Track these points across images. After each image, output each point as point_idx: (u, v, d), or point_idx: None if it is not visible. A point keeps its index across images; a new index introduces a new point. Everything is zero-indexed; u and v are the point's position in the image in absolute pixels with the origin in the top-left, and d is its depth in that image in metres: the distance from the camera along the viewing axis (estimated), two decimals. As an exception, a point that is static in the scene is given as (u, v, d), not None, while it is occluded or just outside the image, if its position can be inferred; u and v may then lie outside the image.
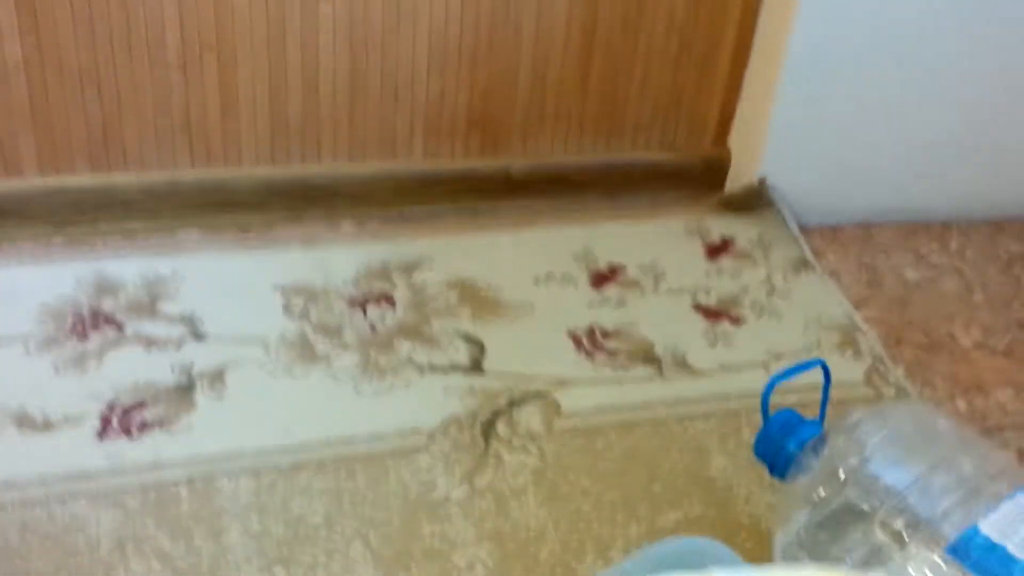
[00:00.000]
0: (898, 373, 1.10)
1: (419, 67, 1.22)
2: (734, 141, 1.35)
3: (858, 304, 1.21)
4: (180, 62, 1.14)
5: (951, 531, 0.77)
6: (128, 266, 1.14)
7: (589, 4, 1.22)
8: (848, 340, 1.14)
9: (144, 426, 0.95)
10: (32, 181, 1.17)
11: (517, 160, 1.30)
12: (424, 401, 1.01)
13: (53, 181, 1.18)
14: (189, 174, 1.21)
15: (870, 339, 1.15)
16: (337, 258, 1.18)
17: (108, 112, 1.16)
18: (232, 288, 1.13)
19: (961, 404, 1.09)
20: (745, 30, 1.29)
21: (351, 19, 1.17)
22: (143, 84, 1.15)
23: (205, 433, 0.96)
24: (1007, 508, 0.78)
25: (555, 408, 1.02)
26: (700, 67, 1.30)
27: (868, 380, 1.09)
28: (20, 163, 1.16)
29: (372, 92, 1.22)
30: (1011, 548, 0.75)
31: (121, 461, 0.92)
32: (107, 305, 1.08)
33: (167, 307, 1.09)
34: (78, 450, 0.92)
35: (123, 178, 1.20)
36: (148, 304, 1.09)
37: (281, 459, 0.93)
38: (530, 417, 1.01)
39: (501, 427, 0.99)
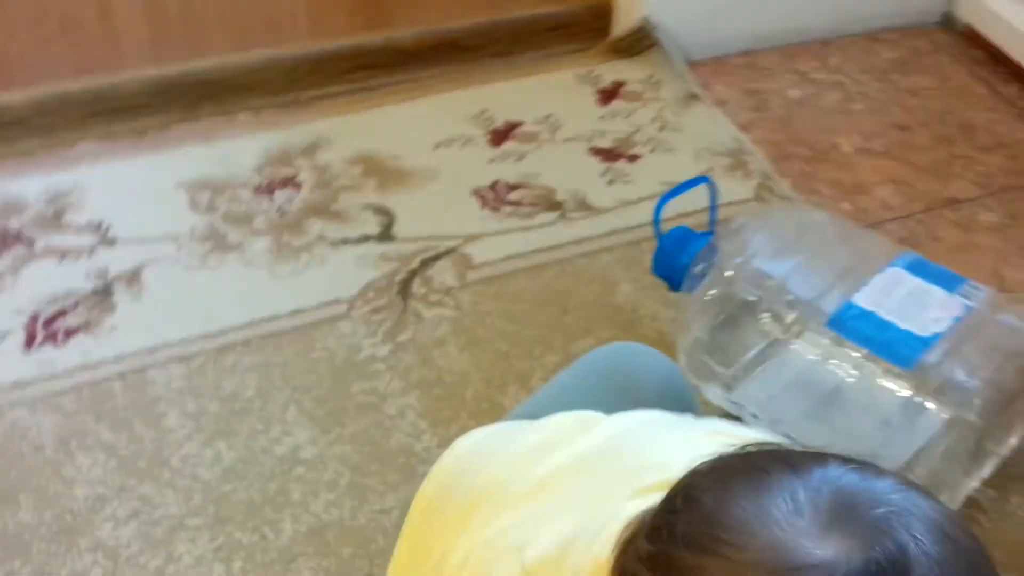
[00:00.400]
0: (785, 185, 1.16)
1: (290, -54, 1.21)
2: (615, -15, 1.37)
3: (745, 128, 1.26)
4: (43, -30, 1.12)
5: (830, 308, 0.84)
6: (29, 183, 1.14)
7: None
8: (738, 162, 1.20)
9: (69, 332, 0.98)
10: (-86, 112, 1.16)
11: (403, 29, 1.31)
12: (340, 273, 1.05)
13: (-64, 109, 1.17)
14: (75, 84, 1.20)
15: (758, 159, 1.20)
16: (237, 149, 1.19)
17: (-21, 31, 1.14)
18: (136, 192, 1.14)
19: (846, 205, 1.16)
20: None
21: (212, -95, 1.15)
22: (10, -3, 1.13)
23: (129, 331, 0.98)
24: (878, 281, 0.85)
25: (466, 262, 1.07)
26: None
27: (758, 196, 1.14)
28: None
29: (247, -22, 1.21)
30: (882, 313, 0.83)
31: (52, 368, 0.95)
32: (13, 224, 1.09)
33: (74, 218, 1.10)
34: (8, 363, 0.95)
35: (10, 97, 1.19)
36: (54, 217, 1.10)
37: (207, 344, 0.97)
38: (443, 273, 1.05)
39: (416, 286, 1.04)
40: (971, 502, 0.86)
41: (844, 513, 0.39)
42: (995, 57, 1.38)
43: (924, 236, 1.13)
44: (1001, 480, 0.88)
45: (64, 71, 1.20)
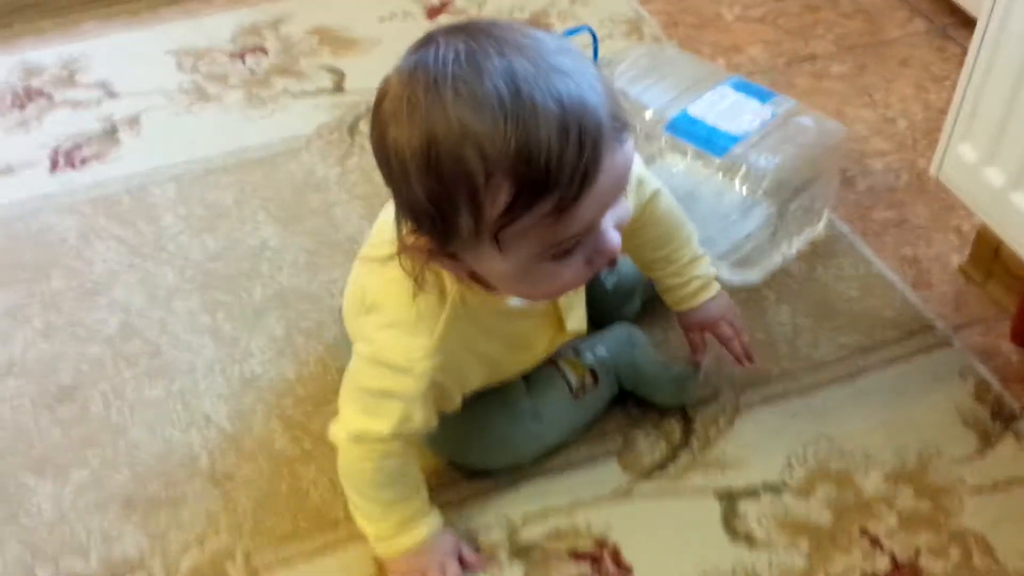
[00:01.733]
0: (671, 44, 1.40)
1: None
2: None
3: (644, 1, 1.49)
4: None
5: (671, 116, 1.08)
6: (46, 55, 1.38)
7: None
8: (634, 28, 1.43)
9: (84, 160, 1.23)
10: (-53, -4, 1.39)
11: (355, -75, 1.53)
12: (300, 117, 1.29)
13: (-35, -6, 1.40)
14: (79, -27, 1.44)
15: (652, 25, 1.44)
16: (215, 24, 1.43)
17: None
18: (133, 58, 1.38)
19: (722, 61, 1.39)
20: None
21: None
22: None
23: (132, 160, 1.23)
24: (709, 95, 1.10)
25: (403, 107, 1.30)
26: None
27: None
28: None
29: None
30: (709, 120, 1.07)
31: (71, 184, 1.20)
32: (35, 83, 1.33)
33: (83, 78, 1.34)
34: (38, 182, 1.20)
35: (24, -16, 1.42)
36: (68, 77, 1.34)
37: (194, 167, 1.22)
38: (384, 116, 1.29)
39: (362, 125, 1.28)
40: (784, 271, 1.11)
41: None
42: (865, -59, 1.60)
43: (783, 84, 1.37)
44: (811, 256, 1.13)
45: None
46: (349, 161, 1.23)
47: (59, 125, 1.27)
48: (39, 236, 1.14)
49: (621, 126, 0.66)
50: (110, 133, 1.27)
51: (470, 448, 0.91)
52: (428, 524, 0.85)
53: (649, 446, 0.95)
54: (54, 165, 1.22)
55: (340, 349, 0.97)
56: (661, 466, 0.94)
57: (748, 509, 0.91)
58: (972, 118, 0.90)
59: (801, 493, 0.92)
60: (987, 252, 1.07)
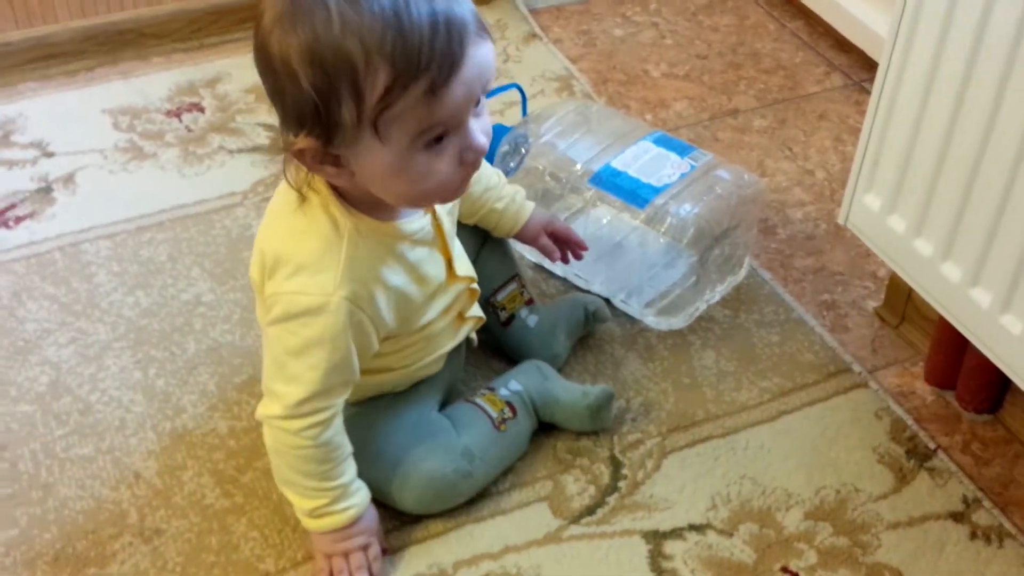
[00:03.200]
0: (600, 102, 1.45)
1: (192, -82, 1.47)
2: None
3: (575, 60, 1.54)
4: (-14, -62, 1.37)
5: (596, 169, 1.12)
6: (-20, 115, 1.39)
7: None
8: (565, 85, 1.48)
9: (18, 219, 1.23)
10: None
11: (292, -13, 1.57)
12: (236, 174, 1.31)
13: (-101, 55, 1.41)
14: (16, 35, 1.45)
15: (582, 83, 1.49)
16: (151, 83, 1.45)
17: (-67, -11, 1.38)
18: (69, 118, 1.39)
19: (649, 117, 1.44)
20: None
21: None
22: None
23: (67, 218, 1.24)
24: (632, 150, 1.14)
25: (339, 163, 1.33)
26: None
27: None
28: None
29: (157, -56, 1.46)
30: (632, 172, 1.11)
31: (4, 244, 1.20)
32: (-32, 144, 1.34)
33: (19, 138, 1.35)
34: (-31, 243, 1.20)
35: (-40, 46, 1.43)
36: (3, 138, 1.35)
37: (128, 225, 1.23)
38: (320, 172, 1.31)
39: (297, 181, 1.30)
40: (709, 317, 1.15)
41: None
42: None
43: (707, 138, 1.42)
44: (735, 303, 1.17)
45: (7, 26, 1.44)
46: (284, 217, 1.25)
47: (-7, 185, 1.28)
48: (-30, 295, 1.14)
49: (482, 28, 0.76)
50: (45, 192, 1.27)
51: (407, 492, 0.93)
52: (360, 497, 0.89)
53: (579, 490, 0.97)
54: (-13, 224, 1.22)
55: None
56: (590, 510, 0.96)
57: (674, 549, 0.93)
58: (875, 168, 0.95)
59: (725, 532, 0.94)
60: (900, 296, 1.12)
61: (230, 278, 1.17)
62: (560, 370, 1.06)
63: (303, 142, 0.76)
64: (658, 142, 1.15)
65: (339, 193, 0.83)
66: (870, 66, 1.53)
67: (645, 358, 1.10)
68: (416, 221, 0.87)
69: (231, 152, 1.34)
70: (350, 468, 0.89)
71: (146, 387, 1.05)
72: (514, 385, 1.00)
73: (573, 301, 1.10)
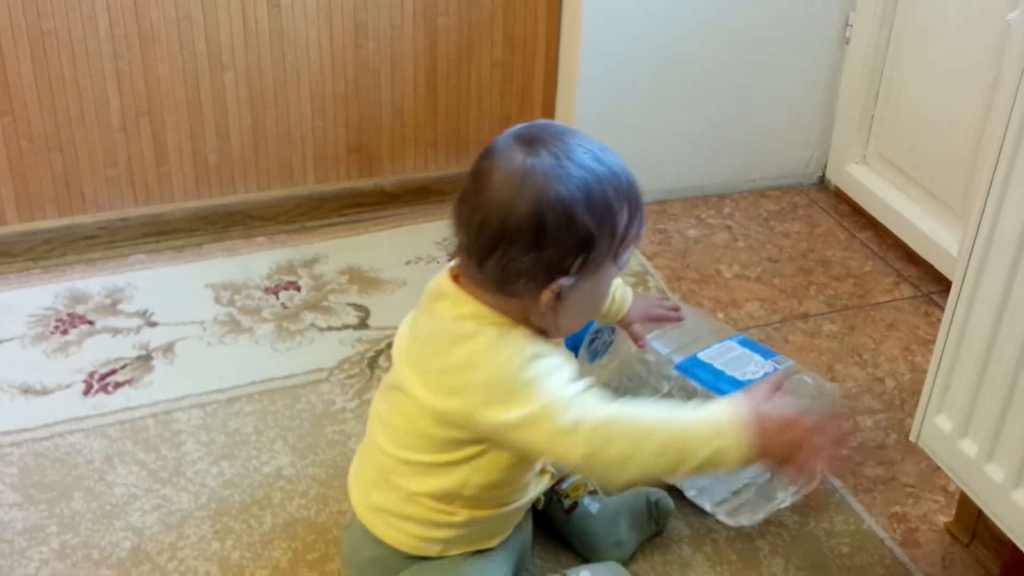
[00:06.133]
0: (675, 298, 1.50)
1: (305, 112, 1.60)
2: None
3: (650, 257, 1.60)
4: (121, 124, 1.51)
5: (680, 359, 1.16)
6: (93, 283, 1.49)
7: (430, 53, 1.62)
8: (640, 281, 1.54)
9: (117, 385, 1.30)
10: (12, 227, 1.52)
11: (388, 177, 1.69)
12: (324, 350, 1.38)
13: (29, 226, 1.53)
14: (134, 211, 1.57)
15: (657, 279, 1.54)
16: (253, 261, 1.54)
17: (68, 168, 1.51)
18: (174, 290, 1.48)
19: (721, 315, 1.48)
20: (551, 65, 1.69)
21: (249, 80, 1.55)
22: (94, 143, 1.51)
23: (163, 386, 1.31)
24: (717, 346, 1.18)
25: (421, 346, 1.39)
26: (520, 95, 1.70)
27: (649, 305, 1.48)
28: (4, 213, 1.51)
29: (271, 135, 1.59)
30: (717, 365, 1.15)
31: (102, 408, 1.27)
32: (80, 310, 1.43)
33: (125, 307, 1.44)
34: (70, 405, 1.27)
35: (83, 219, 1.56)
36: (111, 306, 1.45)
37: (220, 396, 1.29)
38: (402, 354, 1.37)
39: (382, 360, 1.36)
40: (778, 522, 1.14)
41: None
42: (856, 211, 1.73)
43: (778, 340, 1.45)
44: (804, 508, 1.17)
45: (126, 202, 1.57)
46: (367, 394, 1.30)
47: (98, 350, 1.36)
48: (66, 458, 1.20)
49: None
50: (145, 360, 1.35)
51: None
52: (719, 411, 0.87)
53: None
54: (88, 388, 1.30)
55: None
56: None
57: None
58: (946, 390, 0.96)
59: None
60: (971, 513, 1.11)
61: (311, 453, 1.22)
62: (626, 564, 1.06)
63: (557, 285, 0.89)
64: (743, 343, 1.19)
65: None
66: (939, 279, 1.56)
67: (713, 561, 1.10)
68: None
69: (321, 330, 1.42)
70: (677, 409, 0.89)
71: (222, 558, 1.08)
72: (584, 573, 1.01)
73: (636, 491, 1.12)
